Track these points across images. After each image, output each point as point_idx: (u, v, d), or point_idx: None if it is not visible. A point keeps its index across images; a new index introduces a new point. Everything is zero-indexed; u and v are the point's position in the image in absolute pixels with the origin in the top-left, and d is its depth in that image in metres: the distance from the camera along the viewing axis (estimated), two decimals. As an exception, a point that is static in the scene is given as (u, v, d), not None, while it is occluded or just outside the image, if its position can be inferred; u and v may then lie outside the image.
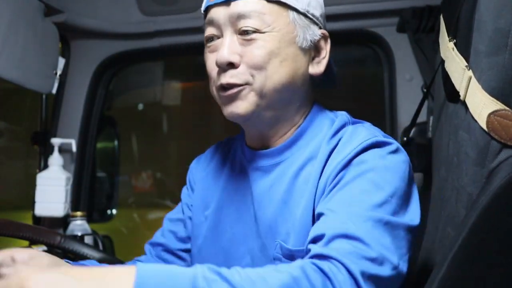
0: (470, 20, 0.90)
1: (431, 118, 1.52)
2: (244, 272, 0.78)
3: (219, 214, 1.21)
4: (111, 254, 2.03)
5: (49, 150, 2.10)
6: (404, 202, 0.96)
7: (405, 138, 1.62)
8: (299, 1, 1.09)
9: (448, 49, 1.01)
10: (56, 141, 2.05)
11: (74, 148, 2.10)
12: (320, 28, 1.14)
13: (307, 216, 1.03)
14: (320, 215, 0.94)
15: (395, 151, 1.01)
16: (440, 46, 1.13)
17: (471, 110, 0.88)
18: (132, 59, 2.30)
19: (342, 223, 0.87)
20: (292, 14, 1.08)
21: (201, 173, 1.32)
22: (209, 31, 1.10)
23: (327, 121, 1.15)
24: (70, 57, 2.15)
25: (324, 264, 0.80)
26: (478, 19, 0.86)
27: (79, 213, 1.99)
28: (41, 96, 2.17)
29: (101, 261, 1.66)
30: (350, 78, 2.91)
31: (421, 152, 1.60)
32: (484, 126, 0.83)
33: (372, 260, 0.83)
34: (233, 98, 1.06)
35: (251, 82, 1.05)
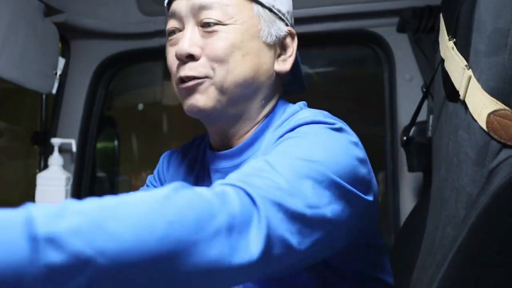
0: (470, 19, 0.90)
1: (431, 118, 1.52)
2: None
3: None
4: (111, 254, 2.02)
5: (49, 150, 2.10)
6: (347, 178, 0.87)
7: (405, 138, 1.62)
8: None
9: (448, 49, 1.01)
10: (56, 141, 2.05)
11: (74, 148, 2.10)
12: (287, 25, 1.11)
13: None
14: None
15: (339, 129, 0.95)
16: (440, 46, 1.13)
17: (470, 109, 0.88)
18: (132, 59, 2.30)
19: (261, 167, 0.80)
20: (257, 7, 1.05)
21: (170, 169, 1.29)
22: (171, 24, 1.07)
23: (286, 114, 1.08)
24: (70, 57, 2.15)
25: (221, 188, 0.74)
26: (477, 19, 0.86)
27: (79, 213, 1.99)
28: (41, 96, 2.17)
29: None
30: (350, 78, 2.91)
31: (421, 152, 1.60)
32: (483, 126, 0.83)
33: (283, 189, 0.76)
34: (192, 91, 1.02)
35: (211, 76, 1.01)
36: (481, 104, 0.83)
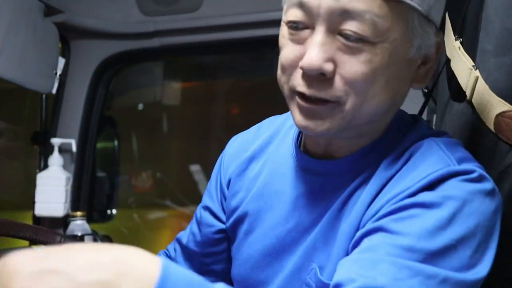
0: (477, 19, 0.89)
1: (434, 117, 1.51)
2: None
3: (255, 219, 1.02)
4: (112, 255, 2.02)
5: (49, 150, 2.09)
6: (477, 249, 0.74)
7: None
8: (424, 0, 0.80)
9: (454, 48, 1.00)
10: (56, 141, 2.05)
11: (74, 148, 2.10)
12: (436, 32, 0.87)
13: (346, 247, 0.84)
14: (359, 243, 0.77)
15: (491, 193, 0.77)
16: (446, 45, 1.12)
17: (478, 110, 0.87)
18: (132, 59, 2.30)
19: (380, 273, 0.69)
20: (413, 20, 0.80)
21: (235, 161, 1.10)
22: (296, 14, 0.81)
23: (399, 134, 0.91)
24: (70, 57, 2.14)
25: None
26: (485, 19, 0.85)
27: (79, 213, 1.98)
28: (41, 96, 2.17)
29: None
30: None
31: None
32: (491, 127, 0.82)
33: None
34: (313, 114, 0.83)
35: (343, 102, 0.80)
36: (488, 105, 0.83)
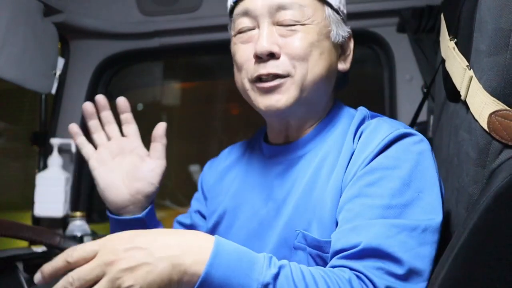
0: (471, 19, 0.89)
1: (432, 118, 1.52)
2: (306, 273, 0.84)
3: (234, 213, 1.21)
4: (111, 255, 2.02)
5: (48, 150, 2.10)
6: (430, 194, 0.96)
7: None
8: None
9: (449, 49, 1.01)
10: (55, 141, 2.05)
11: (73, 149, 2.10)
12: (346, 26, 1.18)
13: (334, 208, 1.02)
14: (348, 212, 0.96)
15: (419, 142, 1.02)
16: (441, 46, 1.13)
17: (472, 110, 0.87)
18: (132, 59, 2.30)
19: (374, 235, 0.89)
20: (328, 9, 1.11)
21: (213, 175, 1.33)
22: (243, 22, 1.11)
23: (347, 116, 1.17)
24: (69, 57, 2.15)
25: (357, 279, 0.85)
26: (479, 19, 0.86)
27: (78, 214, 1.99)
28: (41, 96, 2.17)
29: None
30: (350, 78, 2.90)
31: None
32: (485, 126, 0.83)
33: (400, 276, 0.86)
34: (272, 90, 1.07)
35: (292, 74, 1.06)
36: (482, 105, 0.83)
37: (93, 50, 2.16)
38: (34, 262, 1.71)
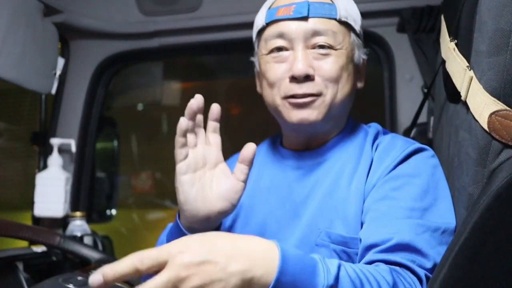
0: (471, 20, 0.89)
1: (432, 119, 1.52)
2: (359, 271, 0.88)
3: (250, 212, 1.26)
4: (111, 255, 2.03)
5: (48, 150, 2.09)
6: (444, 202, 1.06)
7: (405, 139, 1.62)
8: (357, 23, 1.22)
9: (449, 50, 1.01)
10: (55, 141, 2.05)
11: (73, 148, 2.10)
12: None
13: (358, 210, 1.11)
14: (376, 211, 1.05)
15: (433, 156, 1.15)
16: (441, 46, 1.13)
17: (472, 110, 0.87)
18: (132, 59, 2.30)
19: (405, 232, 0.97)
20: (353, 35, 1.21)
21: None
22: (278, 42, 1.18)
23: (361, 130, 1.28)
24: (69, 57, 2.15)
25: (401, 271, 0.92)
26: (479, 19, 0.86)
27: (78, 214, 1.99)
28: (41, 96, 2.17)
29: (100, 261, 1.66)
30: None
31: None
32: (485, 127, 0.83)
33: (428, 270, 0.94)
34: (305, 106, 1.15)
35: (324, 93, 1.15)
36: (482, 105, 0.83)
37: (93, 50, 2.16)
38: (34, 262, 1.71)
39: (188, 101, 1.11)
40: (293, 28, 1.16)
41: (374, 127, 1.28)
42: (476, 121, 0.86)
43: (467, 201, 0.92)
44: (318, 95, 1.15)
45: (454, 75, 0.97)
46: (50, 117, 2.18)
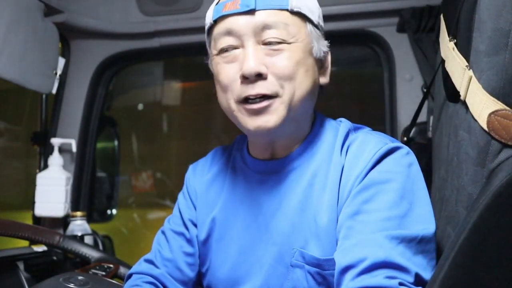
0: (471, 20, 0.90)
1: (431, 118, 1.52)
2: None
3: (223, 226, 1.20)
4: (111, 254, 2.03)
5: (49, 150, 2.10)
6: (422, 205, 1.00)
7: (405, 138, 1.62)
8: (314, 13, 1.10)
9: (448, 49, 1.01)
10: (56, 141, 2.05)
11: (74, 148, 2.10)
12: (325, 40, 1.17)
13: (332, 226, 1.04)
14: (349, 229, 0.98)
15: (407, 154, 1.05)
16: (441, 46, 1.13)
17: (471, 110, 0.88)
18: (132, 59, 2.31)
19: (379, 248, 0.91)
20: (309, 26, 1.09)
21: (199, 183, 1.29)
22: (226, 41, 1.07)
23: (330, 129, 1.16)
24: (70, 57, 2.15)
25: None
26: (478, 19, 0.86)
27: (79, 213, 1.99)
28: (41, 96, 2.17)
29: (100, 261, 1.66)
30: (350, 78, 2.91)
31: (421, 152, 1.60)
32: (484, 126, 0.83)
33: (411, 282, 0.90)
34: (261, 112, 1.04)
35: (280, 94, 1.04)
36: (481, 104, 0.83)
37: (94, 50, 2.16)
38: (35, 261, 1.71)
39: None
40: (242, 23, 1.04)
41: (344, 124, 1.16)
42: (476, 120, 0.86)
43: (466, 201, 0.92)
44: (273, 96, 1.03)
45: (453, 75, 0.97)
46: (50, 117, 2.19)
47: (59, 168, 2.05)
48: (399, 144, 1.06)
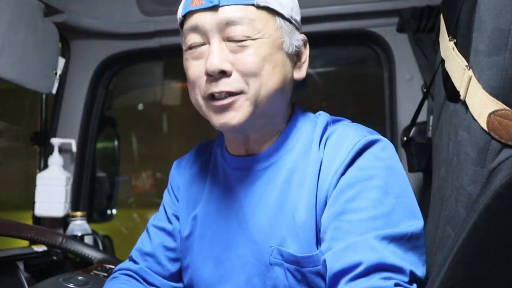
0: (470, 19, 0.90)
1: (431, 118, 1.52)
2: None
3: (206, 222, 1.19)
4: (111, 254, 2.03)
5: (49, 150, 2.10)
6: (407, 198, 1.00)
7: (405, 138, 1.62)
8: (284, 6, 1.08)
9: (448, 49, 1.01)
10: (56, 141, 2.05)
11: (74, 148, 2.11)
12: (301, 33, 1.14)
13: (311, 222, 1.03)
14: (336, 230, 0.97)
15: (386, 147, 1.03)
16: (440, 46, 1.13)
17: (471, 110, 0.88)
18: (132, 59, 2.31)
19: (372, 251, 0.91)
20: (279, 20, 1.07)
21: (182, 179, 1.29)
22: (192, 38, 1.06)
23: (309, 123, 1.15)
24: (70, 57, 2.15)
25: None
26: (478, 19, 0.86)
27: (79, 213, 1.99)
28: (41, 96, 2.17)
29: (103, 262, 1.67)
30: (350, 78, 2.91)
31: (421, 152, 1.60)
32: (484, 126, 0.83)
33: (406, 282, 0.90)
34: (226, 108, 1.04)
35: (245, 91, 1.03)
36: (481, 104, 0.83)
37: (94, 50, 2.16)
38: (35, 261, 1.71)
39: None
40: (207, 19, 1.03)
41: (322, 117, 1.14)
42: (475, 120, 0.86)
43: (466, 201, 0.92)
44: (238, 93, 1.03)
45: (453, 75, 0.97)
46: (50, 117, 2.19)
47: (59, 168, 2.05)
48: (378, 136, 1.05)
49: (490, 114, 0.82)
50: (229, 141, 1.18)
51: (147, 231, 1.31)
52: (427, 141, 1.60)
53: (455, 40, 0.98)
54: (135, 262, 1.28)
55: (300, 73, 1.14)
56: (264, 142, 1.14)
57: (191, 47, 1.07)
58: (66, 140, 2.08)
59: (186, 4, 1.08)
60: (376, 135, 1.05)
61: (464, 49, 0.93)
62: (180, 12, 1.10)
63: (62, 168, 2.06)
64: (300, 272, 1.03)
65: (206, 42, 1.05)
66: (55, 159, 2.04)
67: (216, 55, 1.02)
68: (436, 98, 1.33)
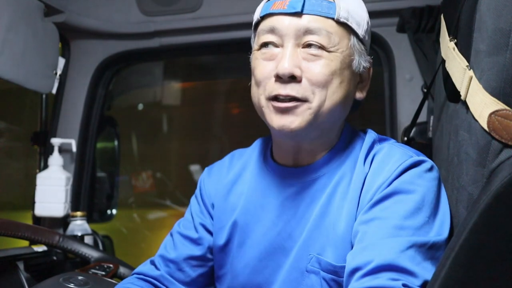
0: (471, 20, 0.89)
1: (432, 118, 1.52)
2: None
3: (244, 231, 1.20)
4: (111, 254, 2.03)
5: (49, 150, 2.10)
6: (439, 218, 1.00)
7: (405, 138, 1.62)
8: (360, 27, 1.11)
9: (449, 49, 1.01)
10: (56, 141, 2.05)
11: (74, 148, 2.11)
12: (368, 55, 1.17)
13: (349, 233, 1.05)
14: (363, 234, 0.99)
15: (430, 169, 1.05)
16: (441, 46, 1.13)
17: (471, 110, 0.87)
18: (132, 59, 2.31)
19: (386, 252, 0.92)
20: (353, 38, 1.10)
21: (217, 186, 1.29)
22: (268, 37, 1.09)
23: (357, 139, 1.18)
24: (70, 57, 2.16)
25: None
26: (478, 19, 0.86)
27: (79, 213, 1.99)
28: (41, 96, 2.17)
29: (100, 261, 1.66)
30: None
31: (421, 152, 1.60)
32: (485, 126, 0.83)
33: (418, 286, 0.90)
34: (288, 111, 1.05)
35: (310, 100, 1.05)
36: (482, 104, 0.83)
37: (94, 50, 2.16)
38: (35, 261, 1.71)
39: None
40: (285, 23, 1.06)
41: (369, 134, 1.18)
42: (476, 120, 0.86)
43: (466, 201, 0.92)
44: (303, 100, 1.05)
45: (453, 75, 0.97)
46: (50, 117, 2.19)
47: (59, 168, 2.05)
48: (424, 158, 1.07)
49: (490, 114, 0.82)
50: (279, 149, 1.19)
51: (172, 236, 1.31)
52: (427, 141, 1.60)
53: (455, 40, 0.98)
54: (156, 268, 1.27)
55: (361, 94, 1.17)
56: (316, 154, 1.15)
57: (263, 46, 1.10)
58: (66, 140, 2.09)
59: (266, 6, 1.11)
60: (422, 157, 1.07)
61: (465, 49, 0.93)
62: (258, 13, 1.14)
63: (62, 168, 2.06)
64: (336, 282, 1.05)
65: (280, 45, 1.08)
66: (55, 159, 2.04)
67: (289, 59, 1.04)
68: (437, 98, 1.32)
